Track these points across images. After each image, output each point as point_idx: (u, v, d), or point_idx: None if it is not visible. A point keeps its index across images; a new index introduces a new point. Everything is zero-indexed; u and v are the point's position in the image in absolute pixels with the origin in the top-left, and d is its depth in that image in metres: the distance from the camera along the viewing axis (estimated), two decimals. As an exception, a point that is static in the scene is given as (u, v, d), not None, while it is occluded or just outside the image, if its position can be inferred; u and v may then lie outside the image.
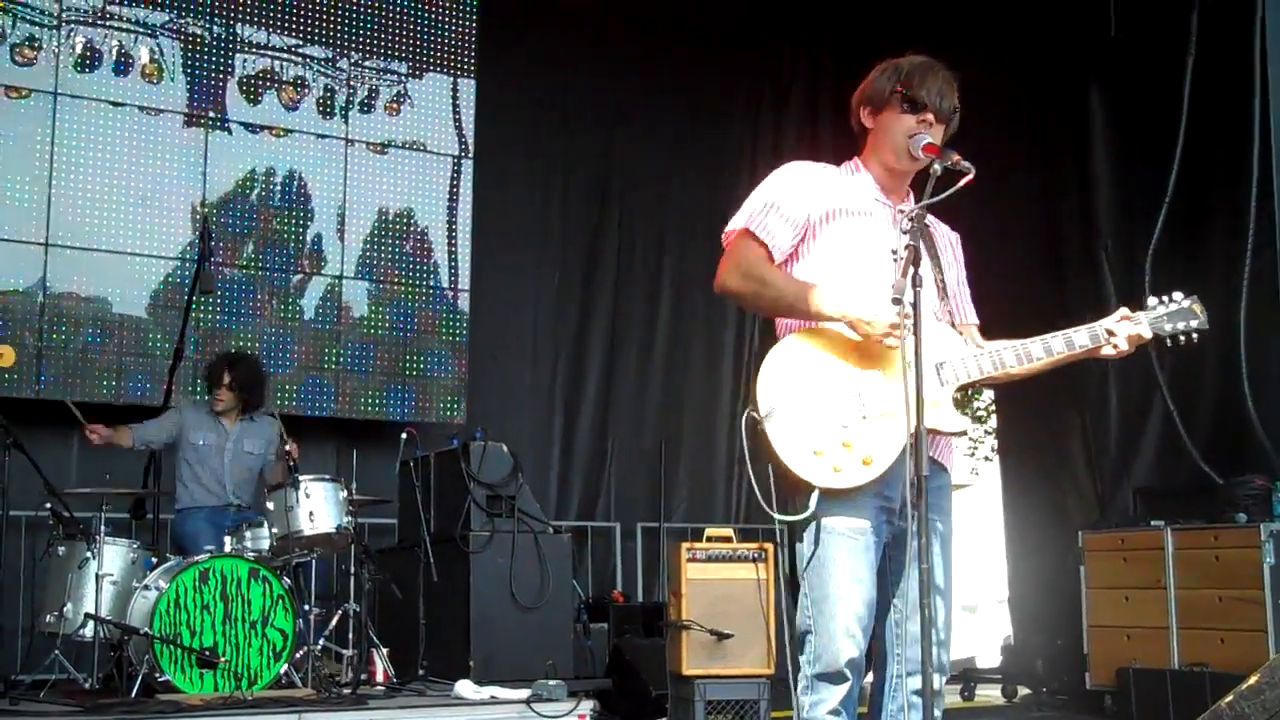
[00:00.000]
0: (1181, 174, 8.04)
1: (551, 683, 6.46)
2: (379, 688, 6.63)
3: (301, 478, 6.75)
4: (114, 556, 6.45)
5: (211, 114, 8.84)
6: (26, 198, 8.19)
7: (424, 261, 9.46)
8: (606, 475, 10.25)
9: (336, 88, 9.26)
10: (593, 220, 10.48)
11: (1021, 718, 8.50)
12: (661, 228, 10.66)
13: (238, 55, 8.97)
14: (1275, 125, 7.38)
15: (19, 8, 8.27)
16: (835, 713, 3.37)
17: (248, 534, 6.80)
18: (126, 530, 6.97)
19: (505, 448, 7.79)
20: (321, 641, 6.80)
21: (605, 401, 10.34)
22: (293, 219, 9.08)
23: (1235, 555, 7.47)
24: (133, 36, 8.61)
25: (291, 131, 9.11)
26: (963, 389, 3.51)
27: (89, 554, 6.38)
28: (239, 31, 8.96)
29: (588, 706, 6.35)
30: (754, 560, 6.77)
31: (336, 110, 9.23)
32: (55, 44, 8.35)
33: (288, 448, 7.00)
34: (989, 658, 9.77)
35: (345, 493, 6.88)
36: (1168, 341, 3.56)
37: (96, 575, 6.28)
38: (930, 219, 3.47)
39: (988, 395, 14.33)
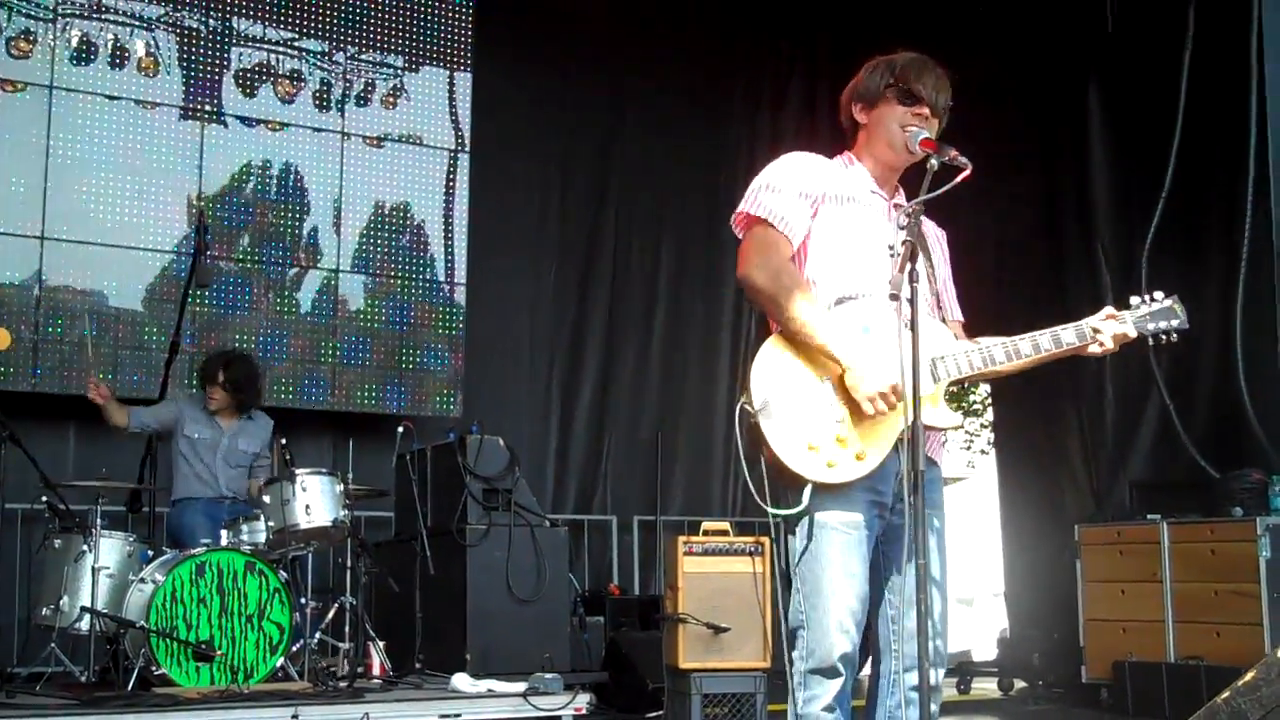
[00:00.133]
0: (1178, 170, 8.06)
1: (548, 676, 6.47)
2: (375, 681, 6.64)
3: (298, 471, 6.74)
4: (110, 549, 6.44)
5: (207, 107, 8.83)
6: (22, 191, 8.17)
7: (420, 255, 9.45)
8: (603, 469, 10.25)
9: (333, 81, 9.24)
10: (590, 214, 10.47)
11: (1018, 710, 8.50)
12: (659, 222, 10.65)
13: (234, 49, 8.95)
14: (1272, 121, 7.40)
15: (14, 1, 8.25)
16: (829, 709, 3.37)
17: (244, 527, 6.80)
18: (123, 523, 6.96)
19: (502, 441, 7.78)
20: (318, 635, 6.81)
21: (602, 395, 10.34)
22: (289, 212, 9.07)
23: (1231, 549, 7.48)
24: (128, 30, 8.59)
25: (287, 125, 9.09)
26: (955, 384, 3.52)
27: (85, 547, 6.37)
28: (235, 25, 8.94)
29: (584, 699, 6.37)
30: (750, 554, 6.77)
31: (333, 104, 9.22)
32: (51, 37, 8.34)
33: (283, 440, 7.00)
34: (985, 651, 9.77)
35: (342, 486, 6.88)
36: (1150, 340, 3.59)
37: (93, 568, 6.27)
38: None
39: (984, 388, 14.33)
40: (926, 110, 3.50)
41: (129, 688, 5.89)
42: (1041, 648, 9.09)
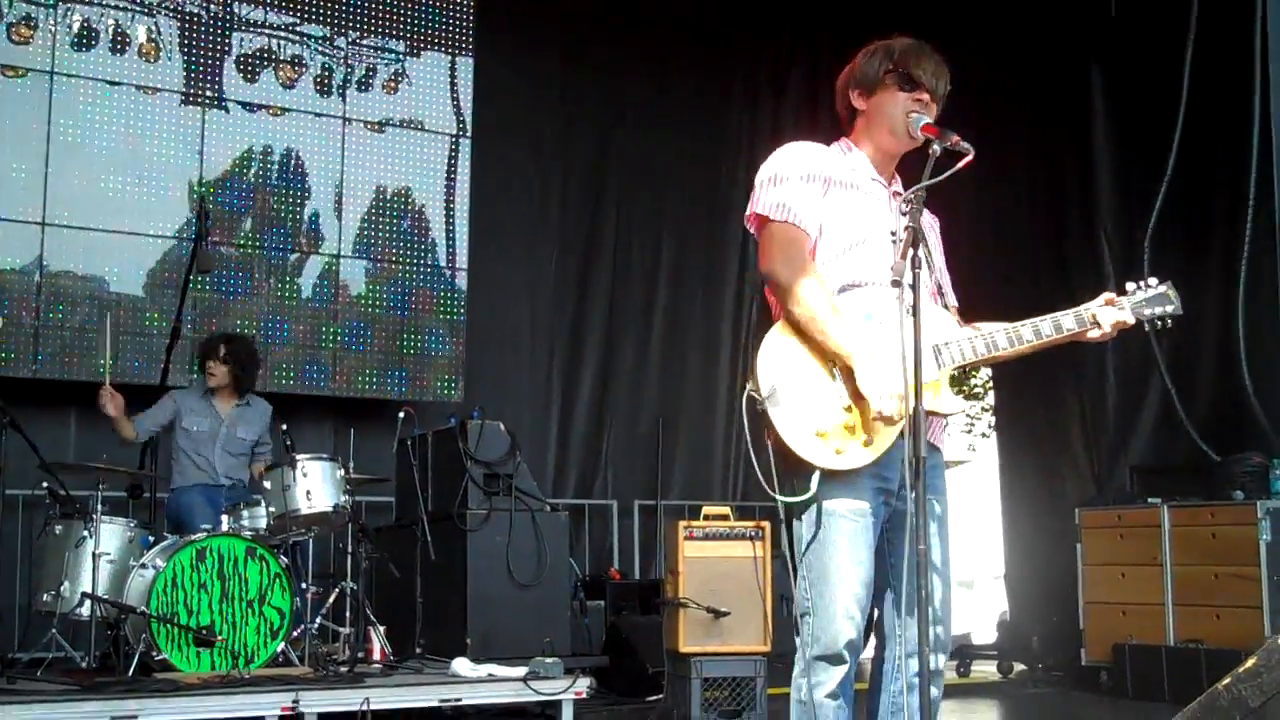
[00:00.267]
0: (1181, 155, 8.04)
1: (549, 660, 6.47)
2: (376, 666, 6.64)
3: (299, 457, 6.75)
4: (111, 535, 6.44)
5: (208, 93, 8.82)
6: (23, 177, 8.17)
7: (422, 240, 9.45)
8: (604, 453, 10.26)
9: (334, 66, 9.23)
10: (591, 198, 10.46)
11: (1017, 693, 8.52)
12: (660, 208, 10.65)
13: (235, 34, 8.94)
14: (1275, 105, 7.37)
15: (15, -14, 8.25)
16: (833, 695, 3.37)
17: (245, 513, 6.81)
18: (124, 509, 6.96)
19: (503, 426, 7.79)
20: (319, 620, 6.82)
21: (603, 380, 10.34)
22: (290, 198, 9.07)
23: (1232, 532, 7.50)
24: (129, 15, 8.58)
25: (289, 110, 9.09)
26: (959, 369, 3.53)
27: (86, 533, 6.37)
28: (236, 10, 8.93)
29: (585, 684, 6.37)
30: (751, 538, 6.79)
31: (334, 89, 9.20)
32: (51, 23, 8.32)
33: (284, 426, 7.00)
34: (985, 634, 9.80)
35: (342, 471, 6.88)
36: (1145, 326, 3.61)
37: (93, 554, 6.26)
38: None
39: (985, 372, 14.33)
40: (926, 95, 3.49)
41: (130, 673, 5.89)
42: (1041, 631, 9.12)
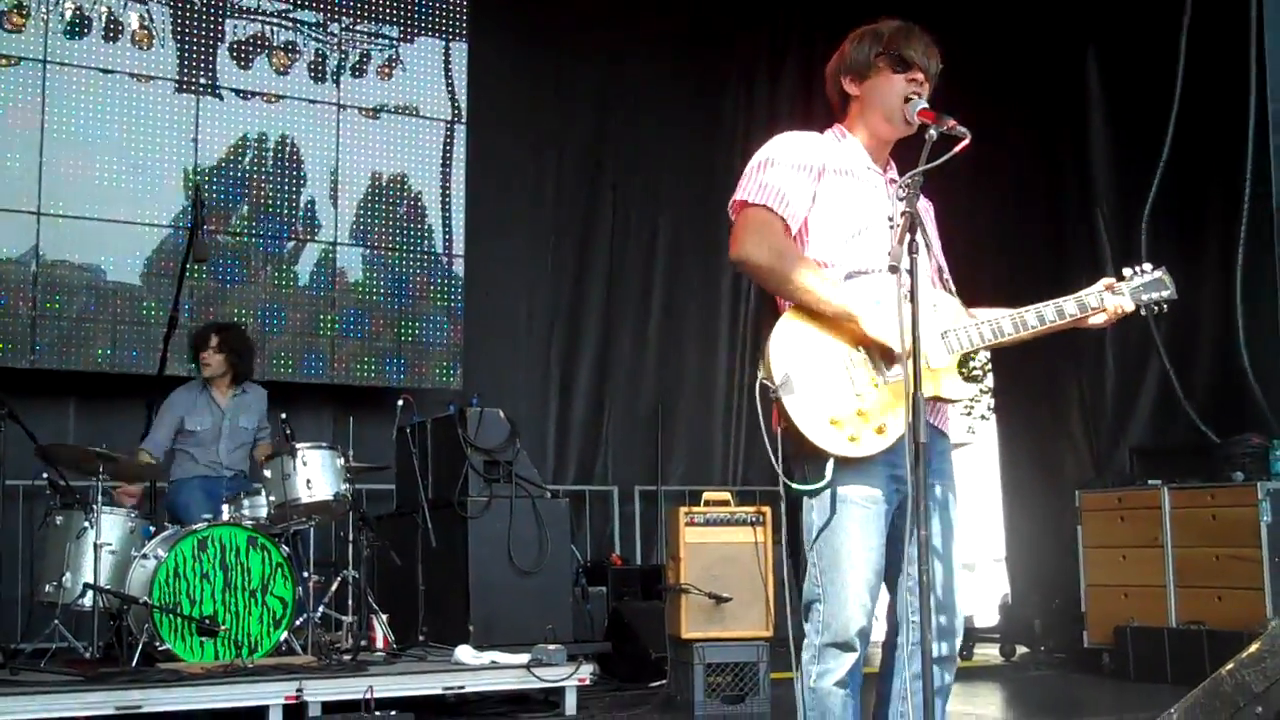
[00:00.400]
0: (1178, 135, 8.02)
1: (551, 647, 6.48)
2: (379, 654, 6.64)
3: (298, 446, 6.73)
4: (112, 526, 6.44)
5: (202, 80, 8.79)
6: (17, 167, 8.15)
7: (418, 227, 9.44)
8: (603, 439, 10.26)
9: (328, 52, 9.20)
10: (588, 184, 10.45)
11: (1019, 676, 8.52)
12: (656, 191, 10.63)
13: (228, 20, 8.91)
14: (1271, 85, 7.36)
15: (7, -26, 8.21)
16: (842, 684, 3.36)
17: (245, 502, 6.81)
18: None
19: (502, 413, 7.79)
20: (321, 609, 6.82)
21: (602, 365, 10.34)
22: (285, 185, 9.04)
23: (1232, 514, 7.50)
24: (122, 2, 8.54)
25: (283, 97, 9.06)
26: (964, 355, 3.53)
27: (87, 523, 6.36)
28: (229, -4, 8.91)
29: (587, 670, 6.38)
30: (752, 523, 6.80)
31: (328, 75, 9.18)
32: (44, 10, 8.29)
33: (284, 415, 6.99)
34: (986, 617, 9.80)
35: (342, 460, 6.87)
36: (1142, 311, 3.62)
37: (95, 545, 6.26)
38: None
39: (983, 354, 14.33)
40: (920, 75, 3.47)
41: (133, 663, 5.90)
42: (1043, 613, 9.12)
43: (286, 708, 5.72)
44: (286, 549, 6.51)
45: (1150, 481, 8.06)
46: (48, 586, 6.39)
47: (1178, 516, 7.80)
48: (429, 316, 9.36)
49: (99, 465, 6.45)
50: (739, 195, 3.48)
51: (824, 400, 3.31)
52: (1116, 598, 8.06)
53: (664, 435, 10.24)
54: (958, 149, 3.21)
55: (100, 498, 6.40)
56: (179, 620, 6.04)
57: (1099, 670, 8.10)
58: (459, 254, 9.50)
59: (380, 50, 9.39)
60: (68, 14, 8.36)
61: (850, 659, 3.36)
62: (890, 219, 3.22)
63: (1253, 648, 3.00)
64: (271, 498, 6.72)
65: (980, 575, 10.51)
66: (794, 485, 3.35)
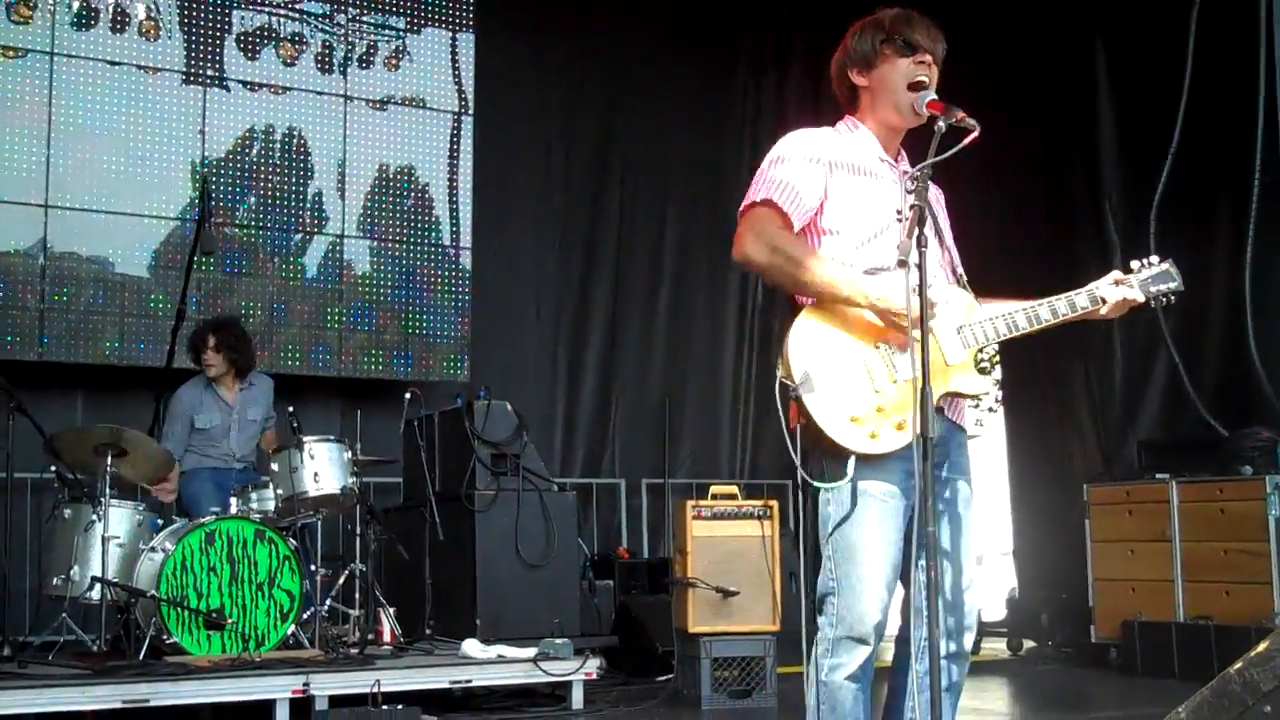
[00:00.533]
0: (1186, 127, 7.98)
1: (558, 641, 6.50)
2: (386, 648, 6.66)
3: (306, 439, 6.73)
4: (120, 519, 6.45)
5: (209, 72, 8.78)
6: (25, 159, 8.14)
7: (425, 219, 9.42)
8: (611, 432, 10.25)
9: (335, 44, 9.19)
10: (595, 176, 10.42)
11: (1027, 670, 8.52)
12: (664, 183, 10.60)
13: (235, 12, 8.89)
14: (1281, 75, 7.34)
15: (14, -34, 8.20)
16: (853, 678, 3.37)
17: (253, 495, 6.81)
18: (132, 492, 6.96)
19: (510, 406, 7.79)
20: (328, 602, 6.83)
21: (609, 358, 10.32)
22: (293, 177, 9.03)
23: (1240, 508, 7.49)
24: (128, -7, 8.54)
25: (290, 89, 9.04)
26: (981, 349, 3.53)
27: (95, 516, 6.37)
28: (236, -13, 8.90)
29: (594, 664, 6.39)
30: (759, 517, 6.80)
31: (335, 66, 9.16)
32: (51, 2, 8.27)
33: (290, 409, 6.99)
34: (994, 611, 9.79)
35: (350, 453, 6.87)
36: (1151, 303, 3.63)
37: (103, 538, 6.26)
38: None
39: (992, 346, 14.31)
40: (928, 57, 3.46)
41: (140, 657, 5.92)
42: (1050, 607, 9.11)
43: (293, 701, 5.74)
44: (294, 542, 6.52)
45: (1158, 475, 8.05)
46: (55, 579, 6.41)
47: (1186, 510, 7.79)
48: (436, 309, 9.35)
49: (107, 458, 6.43)
50: (747, 198, 3.47)
51: (844, 398, 3.31)
52: (1124, 592, 8.05)
53: (671, 428, 10.22)
54: (967, 141, 3.20)
55: (108, 490, 6.40)
56: (186, 613, 6.05)
57: (1106, 665, 8.10)
58: (466, 246, 9.49)
59: (387, 41, 9.37)
60: (75, 5, 8.35)
61: (863, 653, 3.36)
62: (899, 212, 3.22)
63: (1261, 646, 2.99)
64: (279, 491, 6.71)
65: (988, 569, 10.48)
66: (816, 483, 3.35)
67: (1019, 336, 3.53)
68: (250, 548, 6.29)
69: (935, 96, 3.39)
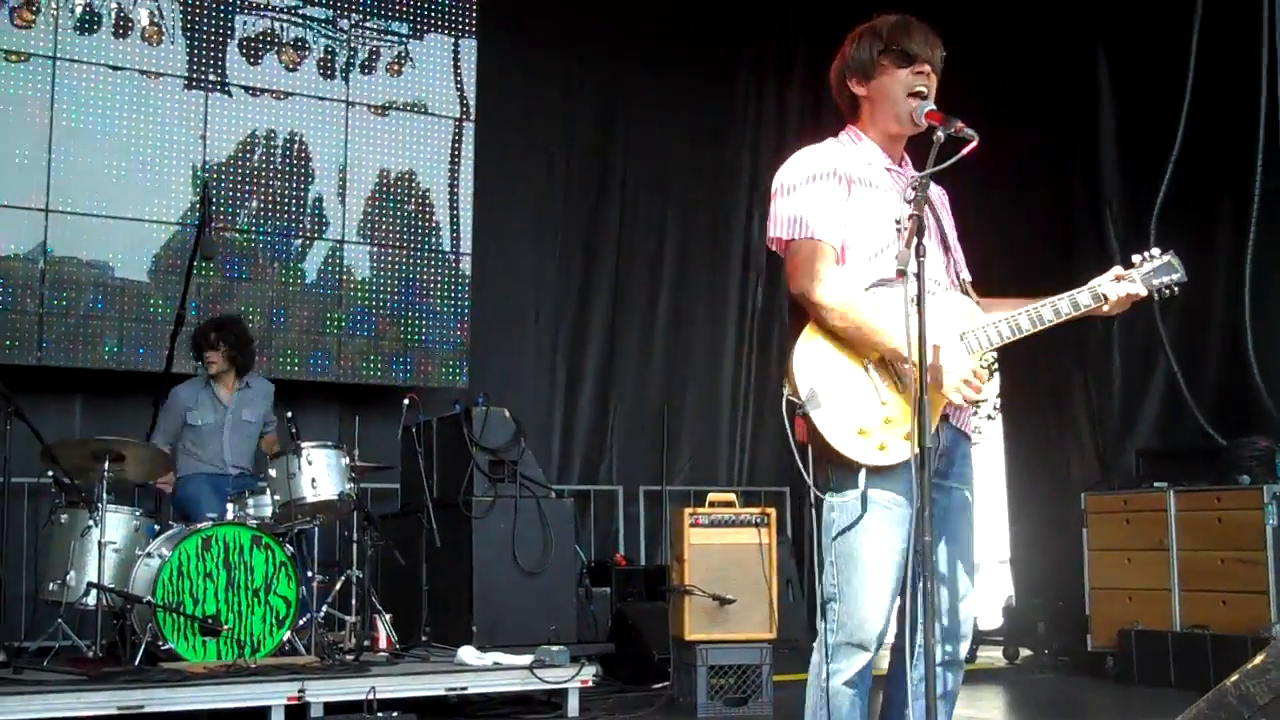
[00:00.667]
0: (1188, 134, 7.99)
1: (554, 648, 6.49)
2: (382, 654, 6.66)
3: (303, 445, 6.73)
4: (116, 524, 6.44)
5: (212, 76, 8.79)
6: (26, 163, 8.15)
7: (426, 225, 9.43)
8: (609, 439, 10.25)
9: (337, 49, 9.20)
10: (595, 183, 10.43)
11: (1023, 679, 8.51)
12: (664, 190, 10.61)
13: (238, 16, 8.90)
14: (1283, 85, 7.33)
15: (17, -30, 8.21)
16: (851, 684, 3.39)
17: (250, 501, 6.80)
18: (129, 498, 6.98)
19: (507, 412, 7.80)
20: (324, 608, 6.82)
21: (607, 365, 10.33)
22: (294, 182, 9.04)
23: (1238, 517, 7.47)
24: (132, -2, 8.55)
25: (292, 94, 9.05)
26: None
27: (91, 522, 6.37)
28: (238, -8, 8.91)
29: (590, 672, 6.38)
30: (756, 525, 6.80)
31: (337, 72, 9.17)
32: (54, 6, 8.29)
33: (290, 414, 6.99)
34: (990, 619, 9.78)
35: (347, 459, 6.87)
36: (1155, 296, 3.65)
37: (99, 543, 6.26)
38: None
39: (990, 353, 14.31)
40: (926, 67, 3.46)
41: (136, 662, 5.93)
42: (1047, 616, 9.09)
43: (289, 708, 5.74)
44: (290, 548, 6.51)
45: (1156, 484, 8.04)
46: (52, 585, 6.40)
47: (1183, 519, 7.78)
48: (436, 315, 9.35)
49: (104, 464, 6.43)
50: (778, 231, 3.48)
51: (851, 412, 3.33)
52: (1121, 600, 8.04)
53: (669, 435, 10.23)
54: (965, 151, 3.21)
55: (105, 496, 6.40)
56: (182, 619, 6.04)
57: (1103, 673, 8.08)
58: (466, 252, 9.49)
59: (390, 47, 9.38)
60: (78, 10, 8.36)
61: (863, 659, 3.37)
62: (898, 221, 3.22)
63: (1257, 659, 2.99)
64: (276, 497, 6.71)
65: (985, 577, 10.48)
66: (828, 497, 3.36)
67: (1022, 338, 3.54)
68: (247, 554, 6.28)
69: (933, 107, 3.41)
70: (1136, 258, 3.65)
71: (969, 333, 3.44)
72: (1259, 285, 7.85)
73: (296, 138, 9.09)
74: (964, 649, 3.53)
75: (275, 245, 8.98)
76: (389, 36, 9.38)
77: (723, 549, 6.72)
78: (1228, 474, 7.72)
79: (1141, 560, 7.95)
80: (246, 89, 8.93)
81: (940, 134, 3.26)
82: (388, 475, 8.07)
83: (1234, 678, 3.06)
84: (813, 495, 3.42)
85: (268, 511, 6.72)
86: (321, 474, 6.70)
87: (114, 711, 5.46)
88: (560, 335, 10.21)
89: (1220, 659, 6.93)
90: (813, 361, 3.37)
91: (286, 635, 6.33)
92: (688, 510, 6.84)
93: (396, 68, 9.39)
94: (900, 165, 3.58)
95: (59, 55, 8.30)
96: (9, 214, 8.10)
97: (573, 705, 6.36)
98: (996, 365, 13.82)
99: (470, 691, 6.33)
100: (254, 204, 8.94)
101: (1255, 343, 7.85)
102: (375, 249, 9.28)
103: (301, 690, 5.73)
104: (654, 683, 7.23)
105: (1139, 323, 8.71)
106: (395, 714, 5.70)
